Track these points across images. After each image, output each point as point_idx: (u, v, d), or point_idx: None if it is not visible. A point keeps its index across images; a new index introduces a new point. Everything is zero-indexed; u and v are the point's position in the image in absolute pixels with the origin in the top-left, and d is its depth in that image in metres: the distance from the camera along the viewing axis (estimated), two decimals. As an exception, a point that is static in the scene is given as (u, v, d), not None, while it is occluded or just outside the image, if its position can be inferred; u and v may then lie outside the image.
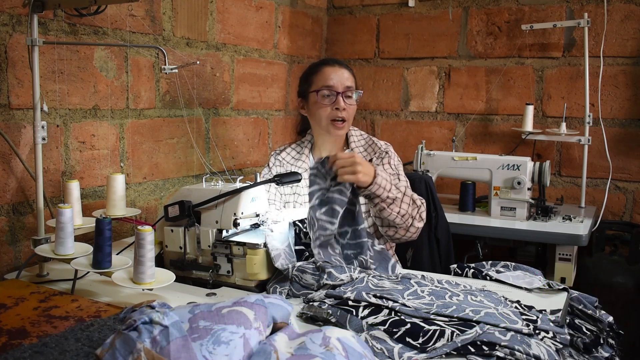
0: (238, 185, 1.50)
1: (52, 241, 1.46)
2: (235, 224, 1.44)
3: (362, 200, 1.63)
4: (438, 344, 1.08)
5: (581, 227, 2.30)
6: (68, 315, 1.17)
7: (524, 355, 1.04)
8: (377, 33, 3.20)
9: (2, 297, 1.27)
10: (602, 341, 1.33)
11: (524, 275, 1.50)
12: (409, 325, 1.13)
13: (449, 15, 3.01)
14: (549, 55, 2.82)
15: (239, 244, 1.44)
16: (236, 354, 0.88)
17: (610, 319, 1.38)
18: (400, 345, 1.10)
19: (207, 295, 1.41)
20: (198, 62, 2.30)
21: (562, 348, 1.14)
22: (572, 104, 2.78)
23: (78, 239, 1.42)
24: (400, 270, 1.59)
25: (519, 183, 2.39)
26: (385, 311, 1.21)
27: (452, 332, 1.10)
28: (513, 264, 1.58)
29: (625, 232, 2.62)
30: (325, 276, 1.36)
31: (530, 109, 2.69)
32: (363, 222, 1.53)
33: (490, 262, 1.60)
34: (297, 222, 1.54)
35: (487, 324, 1.12)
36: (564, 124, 2.64)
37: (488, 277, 1.51)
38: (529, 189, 2.41)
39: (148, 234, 1.27)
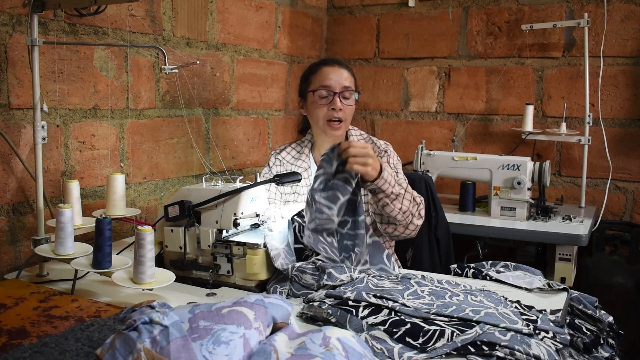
0: (238, 185, 1.50)
1: (52, 241, 1.46)
2: (235, 224, 1.44)
3: (362, 192, 1.62)
4: (438, 344, 1.08)
5: (581, 227, 2.30)
6: (68, 315, 1.17)
7: (524, 355, 1.04)
8: (377, 33, 3.20)
9: (2, 297, 1.27)
10: (602, 341, 1.33)
11: (524, 275, 1.50)
12: (409, 325, 1.13)
13: (449, 15, 3.01)
14: (549, 55, 2.82)
15: (239, 244, 1.44)
16: (236, 354, 0.88)
17: (610, 319, 1.38)
18: (400, 345, 1.10)
19: (207, 295, 1.41)
20: (198, 62, 2.30)
21: (562, 348, 1.14)
22: (572, 104, 2.78)
23: (78, 239, 1.42)
24: (399, 270, 1.59)
25: (519, 183, 2.39)
26: (385, 311, 1.20)
27: (452, 332, 1.10)
28: (513, 264, 1.58)
29: (625, 232, 2.62)
30: (325, 277, 1.36)
31: (530, 109, 2.69)
32: (362, 214, 1.52)
33: (490, 262, 1.60)
34: (296, 218, 1.53)
35: (487, 324, 1.12)
36: (564, 124, 2.64)
37: (488, 277, 1.51)
38: (529, 189, 2.41)
39: (148, 234, 1.27)
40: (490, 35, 2.93)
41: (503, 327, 1.11)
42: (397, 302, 1.23)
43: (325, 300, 1.26)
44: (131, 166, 2.07)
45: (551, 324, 1.18)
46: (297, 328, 1.03)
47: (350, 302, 1.24)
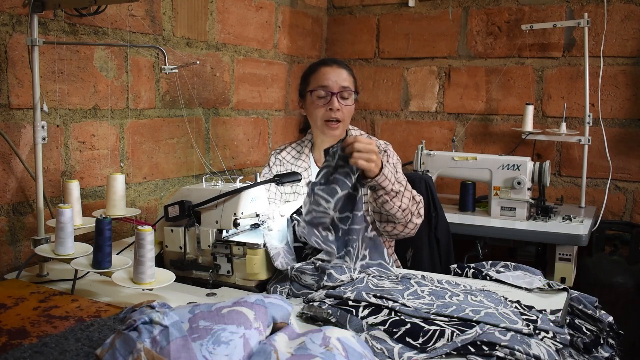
0: (238, 185, 1.50)
1: (52, 241, 1.46)
2: (235, 224, 1.44)
3: (362, 191, 1.62)
4: (438, 344, 1.08)
5: (581, 227, 2.30)
6: (68, 315, 1.17)
7: (524, 355, 1.04)
8: (377, 33, 3.20)
9: (2, 297, 1.27)
10: (602, 341, 1.33)
11: (524, 275, 1.50)
12: (409, 325, 1.13)
13: (449, 15, 3.01)
14: (549, 55, 2.82)
15: (239, 244, 1.44)
16: (236, 354, 0.88)
17: (610, 319, 1.38)
18: (400, 345, 1.10)
19: (207, 295, 1.41)
20: (198, 62, 2.30)
21: (562, 348, 1.14)
22: (572, 104, 2.78)
23: (78, 239, 1.42)
24: (398, 271, 1.59)
25: (519, 183, 2.39)
26: (385, 311, 1.21)
27: (452, 332, 1.10)
28: (513, 264, 1.58)
29: (625, 232, 2.62)
30: (325, 277, 1.36)
31: (530, 109, 2.69)
32: (361, 210, 1.52)
33: (490, 262, 1.60)
34: (295, 217, 1.53)
35: (487, 324, 1.12)
36: (564, 124, 2.64)
37: (488, 277, 1.51)
38: (529, 189, 2.41)
39: (148, 234, 1.27)
40: (490, 35, 2.93)
41: (503, 327, 1.11)
42: (397, 302, 1.23)
43: (325, 300, 1.26)
44: (131, 166, 2.07)
45: (551, 324, 1.18)
46: (297, 328, 1.03)
47: (350, 302, 1.24)
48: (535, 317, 1.19)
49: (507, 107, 2.93)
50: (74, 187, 1.54)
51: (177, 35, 2.23)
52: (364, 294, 1.26)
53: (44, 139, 1.52)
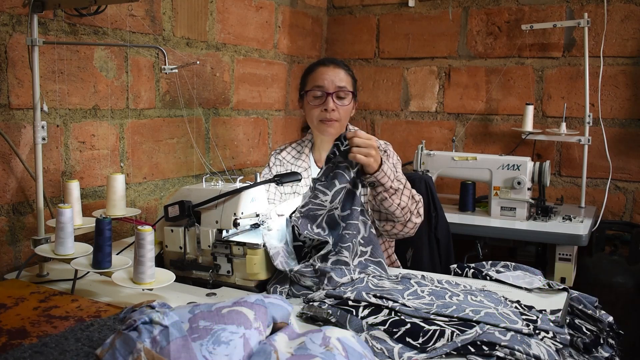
0: (238, 185, 1.50)
1: (52, 241, 1.46)
2: (235, 224, 1.44)
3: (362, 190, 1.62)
4: (438, 344, 1.08)
5: (581, 227, 2.30)
6: (68, 315, 1.17)
7: (524, 355, 1.04)
8: (377, 33, 3.20)
9: (2, 297, 1.27)
10: (602, 341, 1.33)
11: (524, 275, 1.50)
12: (409, 325, 1.13)
13: (449, 15, 3.01)
14: (549, 55, 2.82)
15: (239, 244, 1.44)
16: (236, 354, 0.88)
17: (610, 319, 1.38)
18: (400, 345, 1.10)
19: (207, 295, 1.41)
20: (198, 62, 2.30)
21: (562, 348, 1.14)
22: (572, 104, 2.78)
23: (78, 239, 1.42)
24: (399, 271, 1.59)
25: (519, 183, 2.39)
26: (385, 311, 1.21)
27: (452, 332, 1.10)
28: (513, 264, 1.58)
29: (625, 232, 2.62)
30: (325, 281, 1.35)
31: (530, 109, 2.69)
32: (360, 205, 1.52)
33: (490, 262, 1.60)
34: (294, 216, 1.53)
35: (487, 324, 1.12)
36: (564, 124, 2.64)
37: (488, 277, 1.51)
38: (529, 189, 2.41)
39: (148, 234, 1.27)
40: (490, 35, 2.93)
41: (503, 327, 1.11)
42: (397, 302, 1.23)
43: (325, 300, 1.26)
44: (131, 166, 2.07)
45: (551, 324, 1.18)
46: (297, 328, 1.03)
47: (350, 302, 1.24)
48: (535, 317, 1.19)
49: (507, 107, 2.93)
50: (74, 187, 1.54)
51: (177, 35, 2.23)
52: (364, 294, 1.26)
53: (44, 139, 1.52)
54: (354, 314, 1.19)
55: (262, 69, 2.77)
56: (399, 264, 2.00)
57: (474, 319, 1.15)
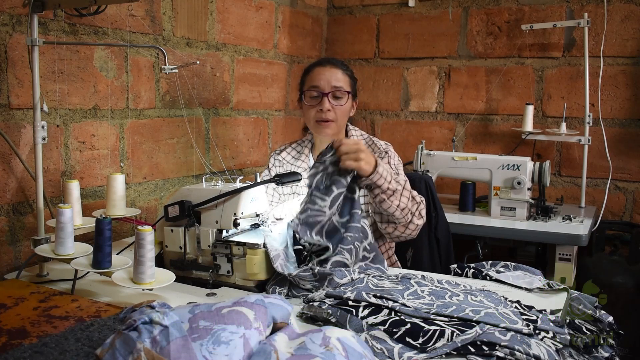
0: (238, 185, 1.50)
1: (52, 241, 1.46)
2: (235, 224, 1.44)
3: (362, 192, 1.62)
4: (438, 344, 1.08)
5: (581, 227, 2.30)
6: (68, 315, 1.17)
7: (524, 355, 1.04)
8: (377, 33, 3.20)
9: (2, 297, 1.27)
10: (602, 341, 1.33)
11: (524, 275, 1.50)
12: (409, 325, 1.13)
13: (449, 15, 3.01)
14: (549, 55, 2.82)
15: (238, 244, 1.44)
16: (236, 354, 0.88)
17: (610, 319, 1.38)
18: (400, 345, 1.10)
19: (207, 295, 1.41)
20: (198, 62, 2.30)
21: (562, 348, 1.14)
22: (572, 104, 2.78)
23: (78, 239, 1.42)
24: (399, 271, 1.59)
25: (519, 183, 2.39)
26: (385, 311, 1.20)
27: (452, 332, 1.10)
28: (513, 264, 1.58)
29: (625, 232, 2.62)
30: (326, 283, 1.35)
31: (530, 109, 2.69)
32: (359, 208, 1.52)
33: (490, 262, 1.60)
34: (295, 220, 1.53)
35: (487, 324, 1.12)
36: (564, 124, 2.64)
37: (488, 277, 1.51)
38: (529, 189, 2.41)
39: (148, 234, 1.27)
40: (490, 35, 2.93)
41: (503, 327, 1.11)
42: (397, 302, 1.23)
43: (325, 300, 1.26)
44: (131, 166, 2.07)
45: (551, 324, 1.18)
46: (297, 328, 1.03)
47: (350, 302, 1.24)
48: (535, 317, 1.19)
49: (507, 107, 2.93)
50: (74, 187, 1.54)
51: (177, 35, 2.23)
52: (364, 294, 1.26)
53: (44, 139, 1.52)
54: (354, 314, 1.19)
55: (262, 69, 2.77)
56: (399, 264, 2.00)
57: (474, 319, 1.15)
